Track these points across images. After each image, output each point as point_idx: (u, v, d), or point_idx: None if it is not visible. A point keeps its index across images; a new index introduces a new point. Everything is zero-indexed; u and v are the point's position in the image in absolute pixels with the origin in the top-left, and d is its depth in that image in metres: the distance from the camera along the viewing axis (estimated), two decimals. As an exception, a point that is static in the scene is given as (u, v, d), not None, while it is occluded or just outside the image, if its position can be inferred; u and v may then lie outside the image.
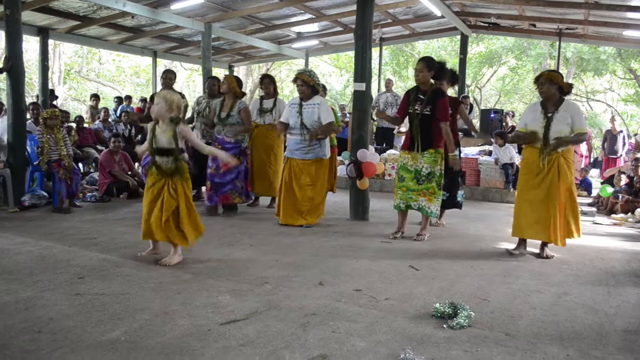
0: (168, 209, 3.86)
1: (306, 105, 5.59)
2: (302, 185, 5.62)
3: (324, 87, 6.32)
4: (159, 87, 6.78)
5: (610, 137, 10.70)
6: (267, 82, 6.72)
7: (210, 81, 7.10)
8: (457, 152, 5.48)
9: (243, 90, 6.28)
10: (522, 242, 4.70)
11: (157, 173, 3.92)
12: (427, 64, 5.00)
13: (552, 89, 4.38)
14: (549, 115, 4.40)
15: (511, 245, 4.88)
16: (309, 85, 5.58)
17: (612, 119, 11.59)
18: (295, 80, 5.66)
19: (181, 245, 3.98)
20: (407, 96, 5.18)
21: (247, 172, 6.28)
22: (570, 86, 4.52)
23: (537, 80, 4.48)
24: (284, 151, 6.18)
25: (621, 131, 10.98)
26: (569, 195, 4.45)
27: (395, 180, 5.26)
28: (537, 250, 4.62)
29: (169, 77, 6.80)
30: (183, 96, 6.73)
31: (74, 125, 9.28)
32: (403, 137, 5.84)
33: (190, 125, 6.97)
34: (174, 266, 3.86)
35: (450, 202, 5.75)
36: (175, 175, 3.91)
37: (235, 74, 17.12)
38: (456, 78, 5.74)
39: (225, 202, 6.15)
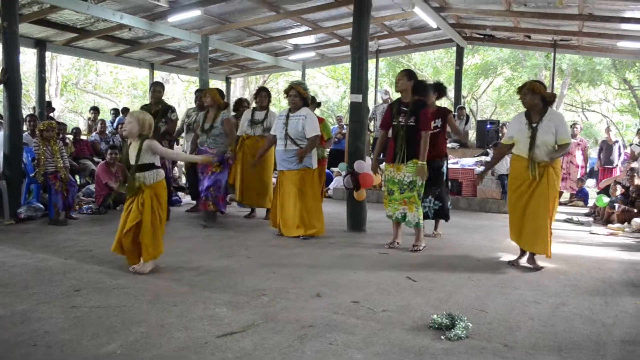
0: (132, 220, 3.94)
1: (292, 116, 5.63)
2: (291, 195, 5.61)
3: (314, 100, 6.34)
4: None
5: (606, 148, 10.73)
6: (264, 95, 6.77)
7: (199, 94, 7.23)
8: (426, 162, 5.54)
9: (226, 101, 6.43)
10: (523, 252, 4.68)
11: (129, 189, 4.03)
12: (407, 73, 5.16)
13: (535, 99, 4.41)
14: (534, 125, 4.42)
15: (510, 257, 4.88)
16: (302, 97, 5.65)
17: (608, 129, 11.64)
18: (289, 90, 5.69)
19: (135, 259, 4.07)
20: (389, 109, 5.25)
21: (226, 184, 6.33)
22: (553, 96, 4.56)
23: (520, 91, 4.53)
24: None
25: (617, 141, 11.02)
26: (552, 205, 4.48)
27: (385, 192, 5.30)
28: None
29: (157, 89, 6.83)
30: (173, 109, 6.82)
31: (70, 137, 9.28)
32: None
33: (182, 135, 7.07)
34: (170, 278, 3.85)
35: (441, 212, 5.73)
36: (142, 190, 3.98)
37: (232, 85, 17.24)
38: (443, 89, 5.79)
39: (204, 209, 6.23)
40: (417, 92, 5.09)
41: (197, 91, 7.30)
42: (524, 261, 4.65)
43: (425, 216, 5.51)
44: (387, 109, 5.33)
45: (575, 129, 10.57)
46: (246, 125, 6.65)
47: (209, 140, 6.14)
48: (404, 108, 5.06)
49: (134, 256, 4.05)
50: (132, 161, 3.99)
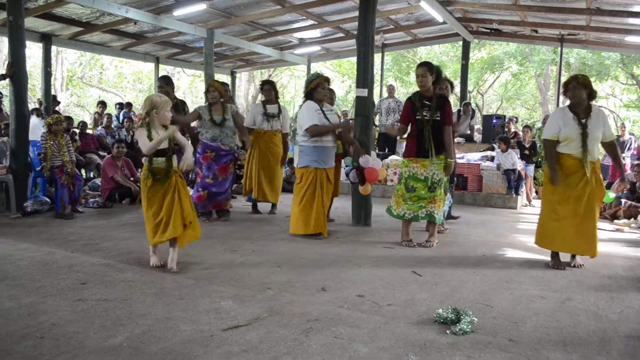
0: (175, 204, 3.91)
1: (328, 112, 5.41)
2: (328, 192, 5.48)
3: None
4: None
5: (619, 144, 10.72)
6: (268, 88, 6.69)
7: (269, 86, 6.92)
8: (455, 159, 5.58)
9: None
10: (556, 254, 4.48)
11: (166, 173, 3.93)
12: (429, 68, 4.97)
13: (584, 94, 4.22)
14: (583, 121, 4.22)
15: (516, 252, 4.87)
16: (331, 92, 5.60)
17: (622, 125, 11.67)
18: (327, 85, 5.43)
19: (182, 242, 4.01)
20: (411, 103, 5.05)
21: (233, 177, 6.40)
22: (596, 93, 4.37)
23: (568, 85, 4.28)
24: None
25: (632, 135, 11.06)
26: (598, 206, 4.37)
27: (401, 190, 5.12)
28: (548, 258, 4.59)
29: (160, 85, 6.68)
30: (184, 103, 6.76)
31: (77, 131, 9.31)
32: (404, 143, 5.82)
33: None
34: (176, 272, 3.86)
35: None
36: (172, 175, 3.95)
37: (237, 79, 17.23)
38: (451, 84, 5.75)
39: (218, 208, 6.22)
40: (435, 80, 5.03)
41: (265, 83, 6.96)
42: (560, 261, 4.43)
43: None
44: (406, 103, 5.13)
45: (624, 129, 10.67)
46: (260, 119, 6.53)
47: (222, 135, 6.03)
48: (427, 102, 4.96)
49: (184, 238, 3.97)
50: (167, 146, 3.93)
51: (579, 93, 4.22)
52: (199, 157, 6.02)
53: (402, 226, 5.23)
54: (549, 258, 4.56)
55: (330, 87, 5.72)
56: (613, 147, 4.42)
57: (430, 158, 4.93)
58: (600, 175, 4.35)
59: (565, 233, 4.29)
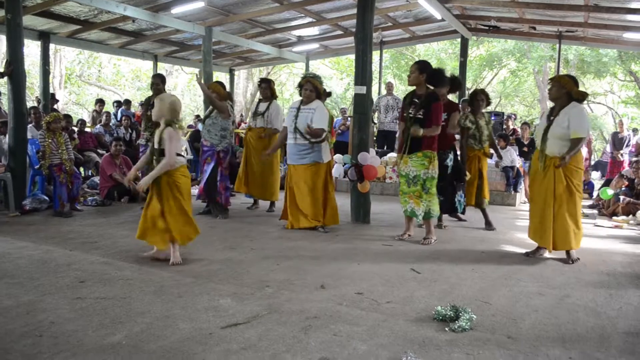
0: (152, 209, 4.00)
1: (303, 109, 5.59)
2: (300, 189, 5.61)
3: (327, 93, 6.27)
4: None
5: (617, 140, 10.73)
6: (264, 87, 6.75)
7: (266, 85, 6.97)
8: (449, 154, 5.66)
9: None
10: (539, 247, 4.65)
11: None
12: (419, 66, 5.05)
13: (559, 92, 4.34)
14: (552, 118, 4.39)
15: (514, 249, 4.88)
16: (317, 91, 5.62)
17: (621, 122, 11.70)
18: (304, 84, 5.62)
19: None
20: (404, 100, 5.24)
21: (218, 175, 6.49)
22: (583, 94, 4.38)
23: (549, 82, 4.52)
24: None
25: (633, 130, 11.08)
26: (566, 199, 4.34)
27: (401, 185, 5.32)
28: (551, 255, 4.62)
29: (154, 82, 6.67)
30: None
31: (75, 129, 9.29)
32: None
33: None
34: (174, 269, 3.86)
35: (443, 206, 5.68)
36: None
37: (235, 77, 17.21)
38: (457, 84, 5.74)
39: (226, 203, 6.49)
40: (432, 81, 5.03)
41: (262, 81, 7.00)
42: (541, 253, 4.64)
43: None
44: (403, 100, 5.31)
45: (622, 126, 10.67)
46: (250, 117, 6.66)
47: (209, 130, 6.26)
48: (416, 100, 5.03)
49: (164, 241, 4.01)
50: (156, 145, 3.97)
51: (554, 91, 4.40)
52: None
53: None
54: (546, 255, 4.58)
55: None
56: (572, 143, 4.27)
57: (410, 155, 5.03)
58: (566, 173, 4.31)
59: (532, 225, 4.60)
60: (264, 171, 6.66)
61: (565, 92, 4.33)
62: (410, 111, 5.02)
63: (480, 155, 6.08)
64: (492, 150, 6.44)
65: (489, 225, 6.09)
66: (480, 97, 6.02)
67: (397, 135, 10.72)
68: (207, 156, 6.24)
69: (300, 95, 5.73)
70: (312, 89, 5.59)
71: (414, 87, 5.12)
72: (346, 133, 10.87)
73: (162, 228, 3.96)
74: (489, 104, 6.16)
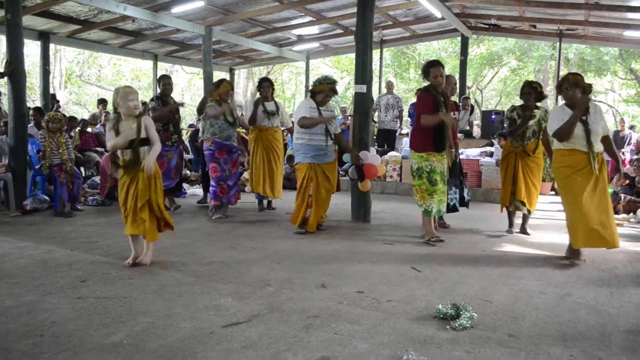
0: (143, 197, 3.92)
1: (324, 111, 5.50)
2: (327, 188, 5.56)
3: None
4: (159, 90, 6.77)
5: (618, 139, 10.72)
6: (267, 86, 6.75)
7: (267, 84, 6.97)
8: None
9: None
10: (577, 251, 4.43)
11: (133, 164, 3.94)
12: (442, 66, 5.04)
13: (578, 93, 4.27)
14: (584, 119, 4.25)
15: (514, 247, 4.87)
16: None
17: (622, 120, 11.69)
18: (332, 89, 5.49)
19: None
20: (434, 99, 4.97)
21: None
22: (591, 87, 4.39)
23: (561, 87, 4.34)
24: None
25: (632, 129, 11.08)
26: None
27: (424, 185, 5.06)
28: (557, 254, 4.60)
29: (166, 82, 6.74)
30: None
31: (77, 129, 9.30)
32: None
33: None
34: (175, 269, 3.86)
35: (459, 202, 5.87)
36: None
37: (236, 76, 17.20)
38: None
39: (235, 201, 6.50)
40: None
41: (264, 80, 6.94)
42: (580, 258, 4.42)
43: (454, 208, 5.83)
44: (428, 97, 5.00)
45: (623, 125, 10.66)
46: (262, 116, 6.63)
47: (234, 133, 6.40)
48: (442, 99, 5.04)
49: (153, 231, 3.97)
50: (134, 136, 3.87)
51: (573, 93, 4.27)
52: (214, 153, 6.19)
53: (425, 223, 5.17)
54: (548, 253, 4.57)
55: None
56: (608, 141, 4.45)
57: (446, 151, 5.11)
58: (607, 169, 4.39)
59: (584, 229, 4.23)
60: (275, 170, 6.73)
61: (582, 90, 4.29)
62: (443, 109, 4.96)
63: (519, 153, 5.52)
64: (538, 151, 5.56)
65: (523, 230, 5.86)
66: (526, 90, 5.43)
67: (399, 133, 10.77)
68: (237, 156, 6.39)
69: (318, 98, 5.49)
70: (332, 94, 5.56)
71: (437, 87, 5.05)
72: (346, 132, 10.88)
73: (154, 217, 3.96)
74: (541, 97, 5.50)
